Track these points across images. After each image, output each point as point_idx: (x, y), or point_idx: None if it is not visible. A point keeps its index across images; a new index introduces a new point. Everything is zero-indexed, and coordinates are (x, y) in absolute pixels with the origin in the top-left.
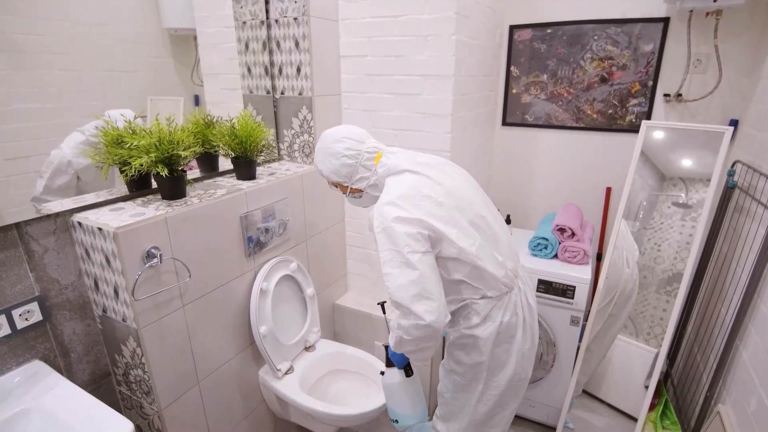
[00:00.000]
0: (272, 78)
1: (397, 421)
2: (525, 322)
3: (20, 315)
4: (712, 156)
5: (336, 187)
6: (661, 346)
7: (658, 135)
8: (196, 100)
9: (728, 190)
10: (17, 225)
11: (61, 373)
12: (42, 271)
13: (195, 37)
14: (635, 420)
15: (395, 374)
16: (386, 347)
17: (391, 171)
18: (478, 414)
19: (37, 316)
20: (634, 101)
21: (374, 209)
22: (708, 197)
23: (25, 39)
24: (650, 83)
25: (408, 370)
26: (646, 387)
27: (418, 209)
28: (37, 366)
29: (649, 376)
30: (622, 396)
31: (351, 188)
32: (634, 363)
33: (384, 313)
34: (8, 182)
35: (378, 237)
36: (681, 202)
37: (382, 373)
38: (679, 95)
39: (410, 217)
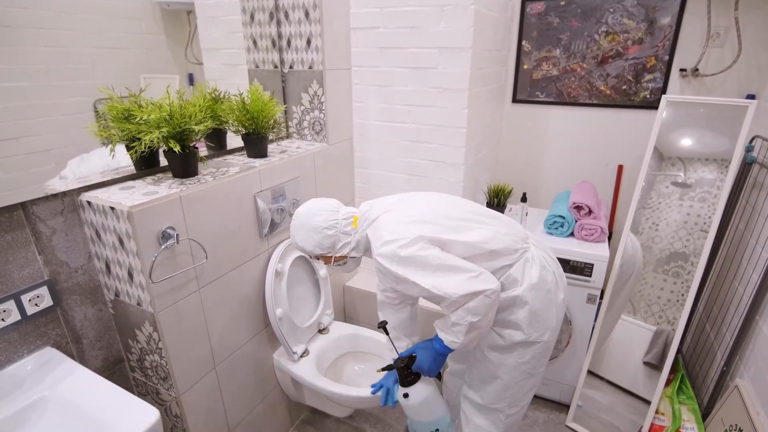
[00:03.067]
0: (280, 51)
1: (438, 430)
2: (555, 274)
3: (30, 300)
4: (713, 134)
5: (318, 259)
6: (658, 323)
7: (660, 114)
8: (190, 79)
9: (746, 166)
10: (23, 205)
11: (74, 360)
12: (50, 254)
13: (189, 12)
14: (636, 396)
15: (427, 385)
16: (398, 367)
17: (369, 222)
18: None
19: (47, 301)
20: (649, 76)
21: (376, 260)
22: (730, 174)
23: (7, 12)
24: (666, 58)
25: (439, 374)
26: (645, 363)
27: (411, 233)
28: (50, 353)
29: (648, 352)
30: (621, 373)
31: (335, 257)
32: (633, 341)
33: (387, 333)
34: None
35: (399, 272)
36: (680, 181)
37: (406, 395)
38: (696, 70)
39: (410, 239)
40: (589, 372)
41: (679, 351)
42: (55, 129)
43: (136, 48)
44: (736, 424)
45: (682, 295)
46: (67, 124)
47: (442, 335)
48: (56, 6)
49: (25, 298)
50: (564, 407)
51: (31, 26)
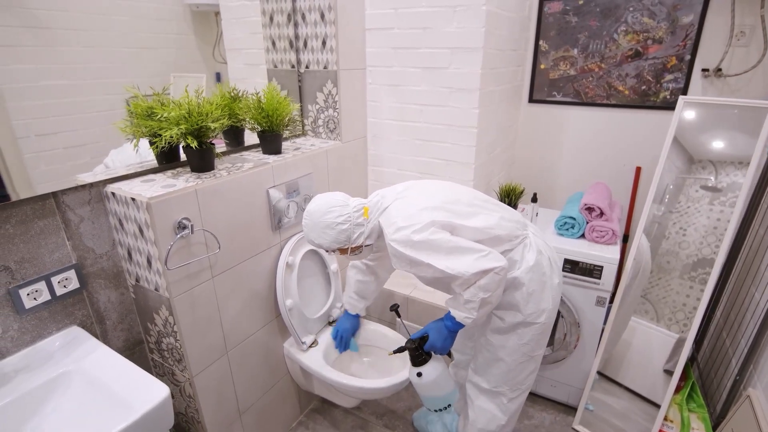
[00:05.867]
0: (297, 51)
1: (450, 405)
2: (550, 259)
3: (59, 282)
4: (745, 137)
5: (334, 252)
6: (682, 331)
7: (689, 115)
8: (218, 77)
9: None
10: (54, 194)
11: (98, 339)
12: (78, 240)
13: (217, 13)
14: (653, 404)
15: (438, 363)
16: (409, 348)
17: (381, 211)
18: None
19: (74, 284)
20: (669, 76)
21: (390, 245)
22: (747, 177)
23: (48, 15)
24: (688, 57)
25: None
26: (666, 371)
27: (423, 219)
28: (76, 331)
29: (669, 360)
30: (640, 380)
31: (351, 248)
32: (654, 348)
33: (399, 316)
34: (38, 158)
35: (414, 255)
36: (710, 185)
37: (419, 374)
38: (719, 70)
39: (423, 225)
40: (607, 377)
41: (694, 359)
42: (91, 125)
43: (167, 48)
44: None
45: None
46: (101, 120)
47: (455, 313)
48: (93, 8)
49: (54, 280)
50: (572, 410)
51: (69, 27)
